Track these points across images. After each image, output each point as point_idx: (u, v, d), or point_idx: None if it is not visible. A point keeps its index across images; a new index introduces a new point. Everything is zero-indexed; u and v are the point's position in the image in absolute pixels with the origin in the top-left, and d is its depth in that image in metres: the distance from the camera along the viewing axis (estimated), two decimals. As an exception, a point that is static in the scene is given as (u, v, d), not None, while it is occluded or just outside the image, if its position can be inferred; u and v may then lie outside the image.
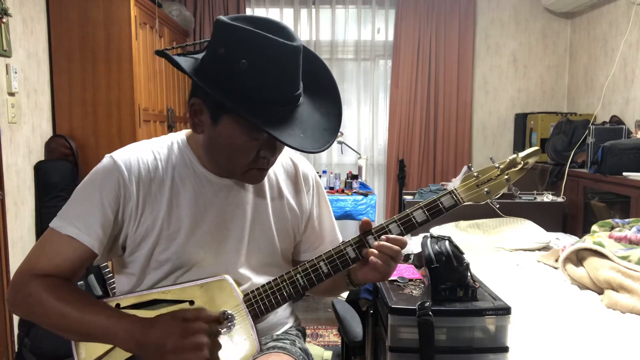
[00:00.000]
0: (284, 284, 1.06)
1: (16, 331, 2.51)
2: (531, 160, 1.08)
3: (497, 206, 1.11)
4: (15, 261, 2.46)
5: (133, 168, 1.05)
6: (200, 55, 1.03)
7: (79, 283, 2.18)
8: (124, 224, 1.06)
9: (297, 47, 0.96)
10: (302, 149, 0.97)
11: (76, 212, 1.03)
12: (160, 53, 1.00)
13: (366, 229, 1.07)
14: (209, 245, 1.10)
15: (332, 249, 1.06)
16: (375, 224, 1.08)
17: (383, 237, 1.04)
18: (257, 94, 0.95)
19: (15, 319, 2.51)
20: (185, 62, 1.01)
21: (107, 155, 1.07)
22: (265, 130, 0.94)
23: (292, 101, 0.99)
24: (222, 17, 0.97)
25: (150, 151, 1.10)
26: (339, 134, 1.08)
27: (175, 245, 1.08)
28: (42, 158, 2.84)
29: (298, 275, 1.06)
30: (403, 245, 1.04)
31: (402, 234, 1.05)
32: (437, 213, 1.05)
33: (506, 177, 1.07)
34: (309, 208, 1.24)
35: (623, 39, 3.47)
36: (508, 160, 1.08)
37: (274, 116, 0.96)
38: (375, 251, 1.02)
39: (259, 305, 1.07)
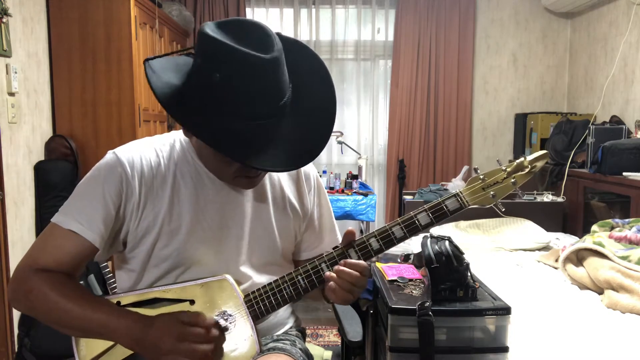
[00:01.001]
0: (285, 285, 1.06)
1: (16, 331, 2.51)
2: (539, 164, 1.07)
3: (503, 210, 1.10)
4: (15, 261, 2.46)
5: (136, 164, 1.06)
6: None
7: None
8: (126, 220, 1.06)
9: (271, 60, 0.93)
10: (267, 169, 0.96)
11: (78, 207, 1.03)
12: (145, 63, 1.00)
13: (351, 239, 1.05)
14: (209, 243, 1.10)
15: (334, 251, 1.06)
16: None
17: (341, 261, 1.02)
18: (230, 108, 0.93)
19: (16, 319, 2.51)
20: (183, 65, 1.01)
21: (110, 152, 1.07)
22: (222, 152, 0.93)
23: (270, 114, 0.96)
24: (205, 25, 0.95)
25: (153, 148, 1.10)
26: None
27: (176, 242, 1.08)
28: (42, 158, 2.84)
29: (299, 277, 1.06)
30: (363, 270, 1.02)
31: (405, 237, 1.04)
32: (442, 216, 1.04)
33: (513, 180, 1.05)
34: (310, 208, 1.24)
35: (623, 39, 3.47)
36: (515, 163, 1.06)
37: (244, 133, 0.94)
38: (334, 275, 1.01)
39: (260, 306, 1.07)
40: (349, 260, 1.02)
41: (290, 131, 0.99)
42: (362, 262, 1.03)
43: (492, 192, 1.05)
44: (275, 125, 0.97)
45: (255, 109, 0.94)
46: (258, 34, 0.95)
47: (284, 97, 0.97)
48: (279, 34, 1.00)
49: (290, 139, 0.98)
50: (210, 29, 0.94)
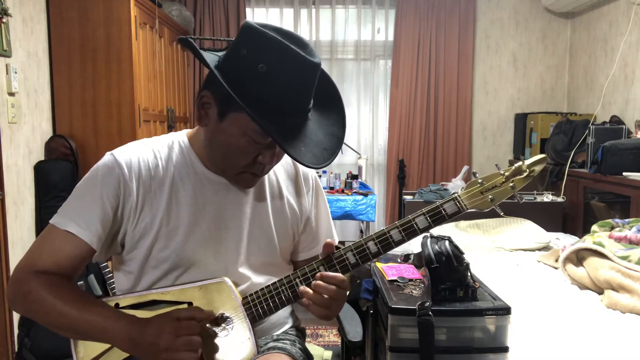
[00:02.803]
0: (283, 287, 1.06)
1: (16, 331, 2.51)
2: (537, 168, 1.07)
3: (502, 213, 1.10)
4: (16, 261, 2.45)
5: (133, 166, 1.06)
6: (220, 53, 1.03)
7: (79, 283, 2.18)
8: (123, 221, 1.06)
9: (317, 64, 0.98)
10: (301, 162, 0.97)
11: (76, 208, 1.04)
12: (185, 41, 1.00)
13: (328, 252, 1.05)
14: (208, 244, 1.10)
15: (333, 254, 1.05)
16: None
17: (317, 275, 1.01)
18: (269, 100, 0.95)
19: (16, 319, 2.51)
20: (207, 56, 1.02)
21: (108, 153, 1.08)
22: (272, 136, 0.95)
23: (301, 114, 1.00)
24: (251, 21, 0.98)
25: (151, 149, 1.10)
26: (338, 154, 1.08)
27: (174, 244, 1.08)
28: (42, 158, 2.84)
29: (297, 280, 1.06)
30: (340, 283, 1.00)
31: (403, 241, 1.04)
32: (440, 220, 1.04)
33: (511, 184, 1.05)
34: (309, 208, 1.25)
35: (623, 39, 3.47)
36: (513, 167, 1.07)
37: (281, 124, 0.96)
38: (309, 290, 1.00)
39: (257, 308, 1.07)
40: (325, 273, 1.01)
41: (311, 133, 1.02)
42: (339, 275, 1.02)
43: (490, 196, 1.05)
44: (302, 124, 1.01)
45: (291, 106, 0.98)
46: (301, 40, 0.99)
47: (311, 101, 1.02)
48: None
49: (312, 140, 1.01)
50: (258, 26, 0.97)
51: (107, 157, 1.07)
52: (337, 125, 1.08)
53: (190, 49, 1.00)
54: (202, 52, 1.01)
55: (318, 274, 1.02)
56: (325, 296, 1.00)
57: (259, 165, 1.04)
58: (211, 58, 1.02)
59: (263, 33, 0.95)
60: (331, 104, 1.09)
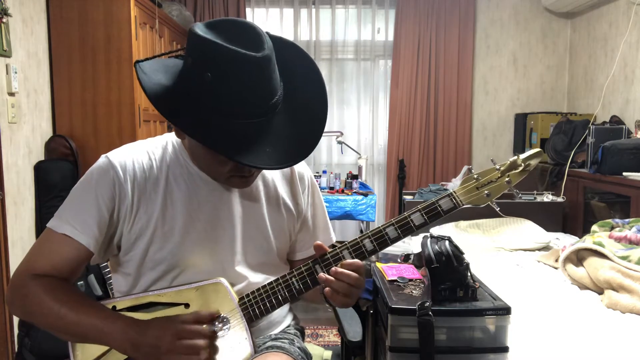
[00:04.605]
0: (279, 287, 1.06)
1: (16, 331, 2.51)
2: (533, 162, 1.07)
3: (498, 208, 1.09)
4: (15, 261, 2.46)
5: (128, 167, 1.06)
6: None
7: (79, 283, 2.18)
8: (119, 223, 1.06)
9: (262, 58, 0.92)
10: (262, 166, 0.95)
11: (72, 211, 1.04)
12: (135, 66, 0.98)
13: (321, 253, 1.05)
14: (204, 244, 1.10)
15: (329, 253, 1.05)
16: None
17: (337, 264, 1.02)
18: (224, 108, 0.93)
19: (16, 319, 2.51)
20: (172, 68, 1.00)
21: (103, 156, 1.08)
22: (216, 149, 0.93)
23: (263, 112, 0.96)
24: (195, 26, 0.95)
25: (145, 151, 1.10)
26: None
27: (170, 245, 1.08)
28: (42, 158, 2.84)
29: (293, 279, 1.06)
30: (359, 269, 1.01)
31: (399, 238, 1.04)
32: (436, 216, 1.04)
33: (507, 179, 1.05)
34: (305, 208, 1.24)
35: (623, 39, 3.47)
36: (509, 162, 1.06)
37: (239, 131, 0.94)
38: (331, 278, 1.00)
39: (254, 309, 1.07)
40: (345, 261, 1.02)
41: (282, 129, 0.98)
42: (357, 260, 1.02)
43: (486, 191, 1.05)
44: (267, 123, 0.96)
45: (247, 108, 0.94)
46: (248, 33, 0.95)
47: (275, 96, 0.97)
48: (267, 33, 0.99)
49: (283, 137, 0.98)
50: (200, 29, 0.94)
51: (101, 159, 1.07)
52: (317, 107, 1.02)
53: (136, 72, 0.97)
54: (177, 61, 1.00)
55: (339, 264, 1.01)
56: (347, 283, 1.00)
57: (242, 168, 1.02)
58: (175, 70, 0.99)
59: (203, 39, 0.92)
60: (308, 87, 1.03)
